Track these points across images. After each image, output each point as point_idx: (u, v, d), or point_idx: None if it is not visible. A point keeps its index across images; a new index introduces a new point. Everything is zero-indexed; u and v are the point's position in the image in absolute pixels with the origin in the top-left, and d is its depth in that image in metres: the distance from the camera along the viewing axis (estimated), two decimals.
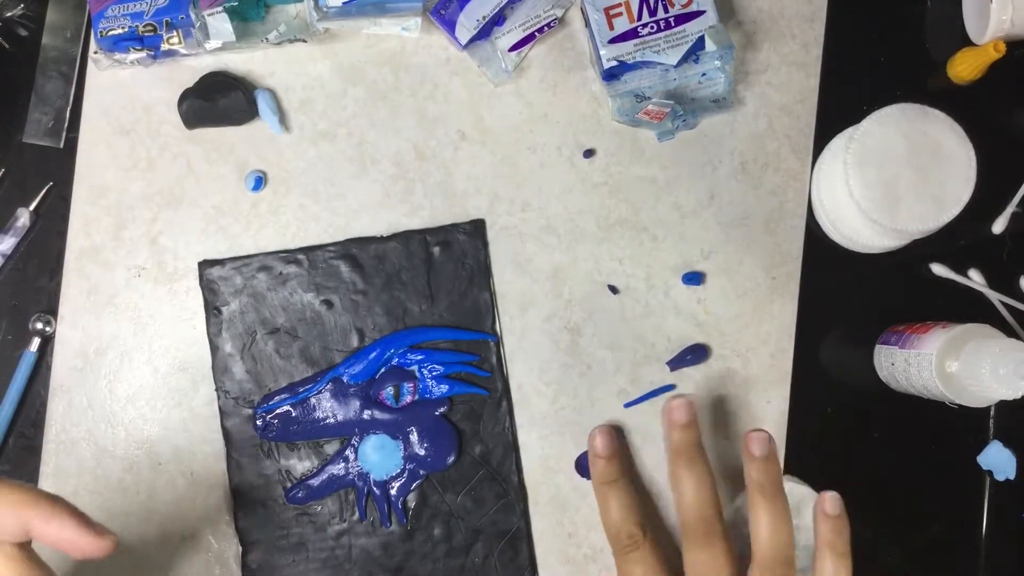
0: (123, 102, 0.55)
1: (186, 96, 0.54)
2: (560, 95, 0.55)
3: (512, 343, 0.54)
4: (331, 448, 0.53)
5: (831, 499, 0.47)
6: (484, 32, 0.54)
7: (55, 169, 0.55)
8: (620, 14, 0.52)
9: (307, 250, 0.54)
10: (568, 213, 0.55)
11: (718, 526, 0.47)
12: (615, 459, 0.50)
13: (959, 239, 0.55)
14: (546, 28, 0.54)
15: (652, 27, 0.52)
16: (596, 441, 0.51)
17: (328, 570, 0.53)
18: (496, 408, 0.54)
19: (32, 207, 0.54)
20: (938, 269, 0.55)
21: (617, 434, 0.53)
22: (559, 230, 0.55)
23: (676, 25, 0.52)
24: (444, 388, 0.53)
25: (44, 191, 0.55)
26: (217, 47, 0.53)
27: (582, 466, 0.54)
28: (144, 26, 0.52)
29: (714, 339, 0.54)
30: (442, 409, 0.53)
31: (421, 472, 0.53)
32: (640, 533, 0.48)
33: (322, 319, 0.54)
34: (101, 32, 0.52)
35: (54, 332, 0.54)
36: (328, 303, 0.54)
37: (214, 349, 0.54)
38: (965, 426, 0.55)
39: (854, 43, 0.56)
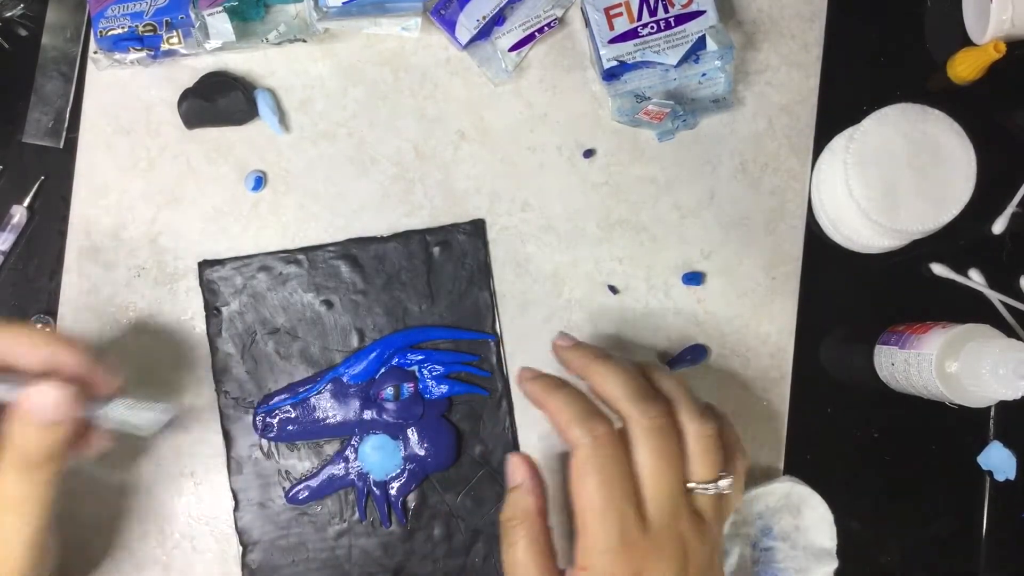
0: (123, 102, 0.55)
1: (186, 96, 0.54)
2: (560, 95, 0.55)
3: (512, 343, 0.54)
4: (331, 448, 0.53)
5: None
6: (484, 32, 0.54)
7: (55, 169, 0.55)
8: (620, 14, 0.52)
9: (307, 250, 0.54)
10: (568, 213, 0.55)
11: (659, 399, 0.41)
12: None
13: (959, 239, 0.55)
14: (546, 28, 0.54)
15: (652, 27, 0.52)
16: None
17: (328, 570, 0.53)
18: (496, 408, 0.54)
19: (26, 203, 0.54)
20: (938, 269, 0.55)
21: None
22: (559, 230, 0.55)
23: (676, 25, 0.52)
24: (444, 388, 0.53)
25: (37, 185, 0.55)
26: (217, 47, 0.53)
27: None
28: (144, 26, 0.52)
29: (714, 339, 0.54)
30: (442, 409, 0.53)
31: (421, 472, 0.53)
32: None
33: (322, 319, 0.54)
34: (101, 32, 0.52)
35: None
36: (328, 303, 0.54)
37: (214, 349, 0.54)
38: (965, 426, 0.55)
39: (854, 43, 0.56)
